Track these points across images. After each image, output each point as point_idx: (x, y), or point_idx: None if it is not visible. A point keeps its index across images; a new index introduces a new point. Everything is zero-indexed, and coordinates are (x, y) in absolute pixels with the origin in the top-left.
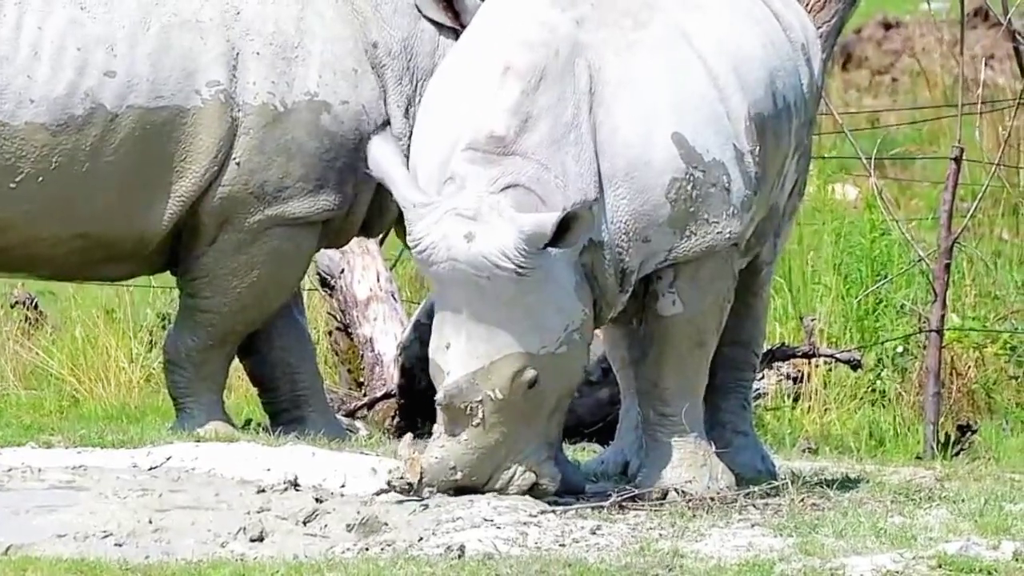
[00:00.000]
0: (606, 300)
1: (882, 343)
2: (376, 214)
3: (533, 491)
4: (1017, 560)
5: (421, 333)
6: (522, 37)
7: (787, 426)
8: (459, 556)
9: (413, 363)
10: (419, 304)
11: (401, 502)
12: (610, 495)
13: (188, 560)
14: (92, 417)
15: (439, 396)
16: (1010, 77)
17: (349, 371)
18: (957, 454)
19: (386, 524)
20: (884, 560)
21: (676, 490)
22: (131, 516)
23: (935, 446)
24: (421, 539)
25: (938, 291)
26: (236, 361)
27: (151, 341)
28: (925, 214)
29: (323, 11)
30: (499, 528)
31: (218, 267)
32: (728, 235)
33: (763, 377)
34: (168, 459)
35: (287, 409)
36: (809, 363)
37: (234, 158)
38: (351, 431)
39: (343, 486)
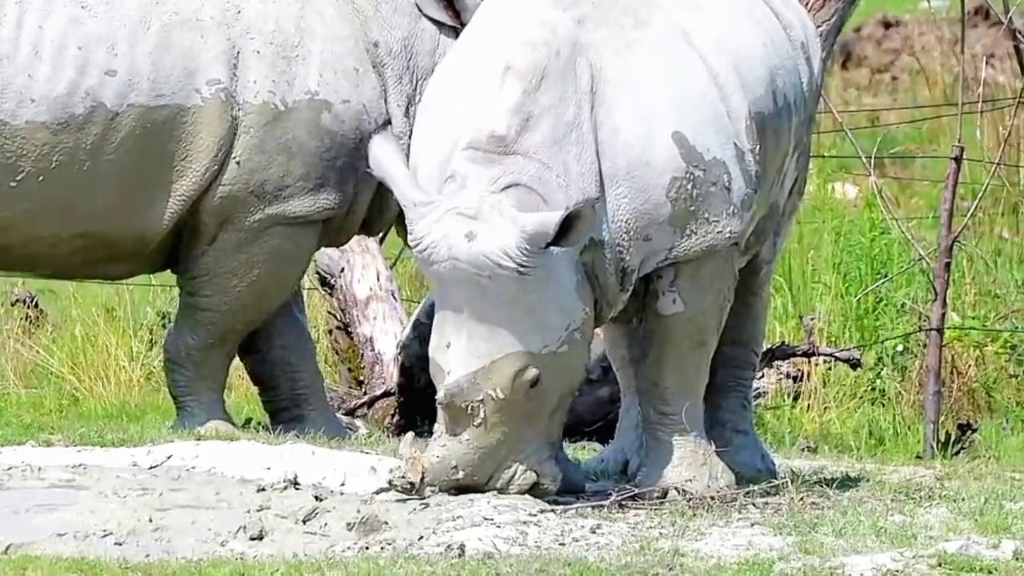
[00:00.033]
0: (607, 299)
1: (882, 342)
2: (376, 213)
3: (534, 490)
4: (1017, 559)
5: (421, 332)
6: (523, 37)
7: (787, 425)
8: (459, 555)
9: (413, 362)
10: (419, 303)
11: (401, 501)
12: (610, 494)
13: (188, 559)
14: (92, 416)
15: (440, 395)
16: (1010, 76)
17: (349, 370)
18: (957, 453)
19: (386, 523)
20: (884, 559)
21: (676, 489)
22: (131, 515)
23: (935, 445)
24: (421, 538)
25: (938, 290)
26: (236, 360)
27: (151, 340)
28: (925, 213)
29: (324, 10)
30: (499, 527)
31: (218, 266)
32: (729, 234)
33: (763, 376)
34: (168, 458)
35: (287, 408)
36: (809, 362)
37: (234, 157)
38: (351, 430)
39: (343, 485)
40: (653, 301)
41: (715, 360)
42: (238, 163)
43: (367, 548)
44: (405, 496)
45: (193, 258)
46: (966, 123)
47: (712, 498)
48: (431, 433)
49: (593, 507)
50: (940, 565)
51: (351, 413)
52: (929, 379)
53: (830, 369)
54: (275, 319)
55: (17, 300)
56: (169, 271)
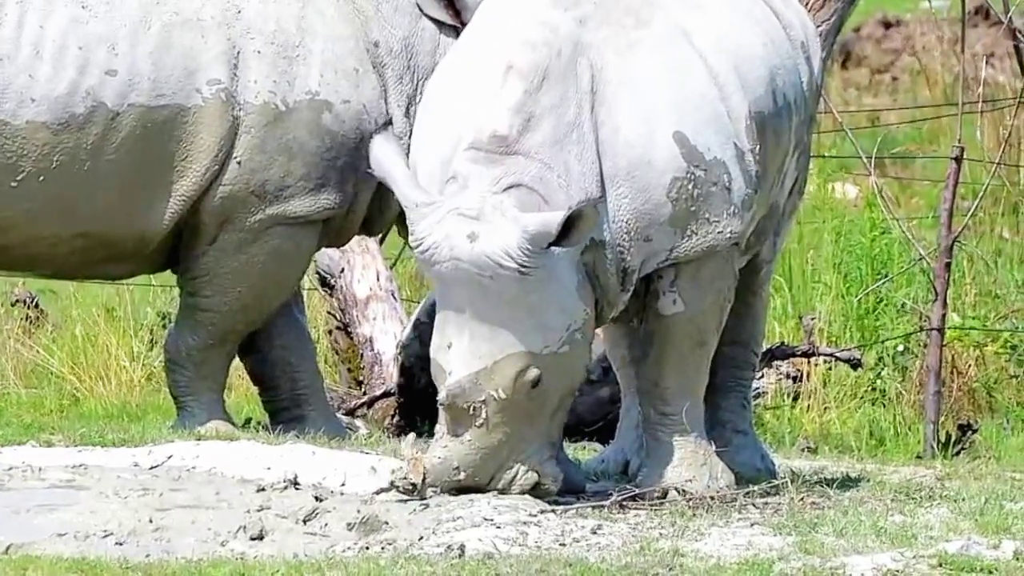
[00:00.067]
0: (607, 299)
1: (882, 342)
2: (377, 213)
3: (535, 491)
4: (1017, 559)
5: (421, 332)
6: (524, 37)
7: (787, 425)
8: (459, 555)
9: (412, 362)
10: (419, 303)
11: (402, 501)
12: (610, 494)
13: (188, 559)
14: (93, 416)
15: (441, 396)
16: (1011, 75)
17: (349, 370)
18: (958, 453)
19: (386, 523)
20: (884, 559)
21: (676, 489)
22: (132, 515)
23: (935, 445)
24: (421, 538)
25: (938, 290)
26: (236, 360)
27: (152, 340)
28: (925, 213)
29: (324, 10)
30: (499, 527)
31: (219, 266)
32: (729, 234)
33: (763, 376)
34: (169, 458)
35: (287, 408)
36: (809, 362)
37: (235, 157)
38: (351, 430)
39: (343, 485)
40: (654, 301)
41: (715, 360)
42: (239, 163)
43: (367, 548)
44: (407, 497)
45: (193, 258)
46: (966, 123)
47: (712, 498)
48: (431, 433)
49: (593, 507)
50: (940, 565)
51: (351, 413)
52: (929, 379)
53: (830, 369)
54: (275, 319)
55: (17, 300)
56: (169, 271)
